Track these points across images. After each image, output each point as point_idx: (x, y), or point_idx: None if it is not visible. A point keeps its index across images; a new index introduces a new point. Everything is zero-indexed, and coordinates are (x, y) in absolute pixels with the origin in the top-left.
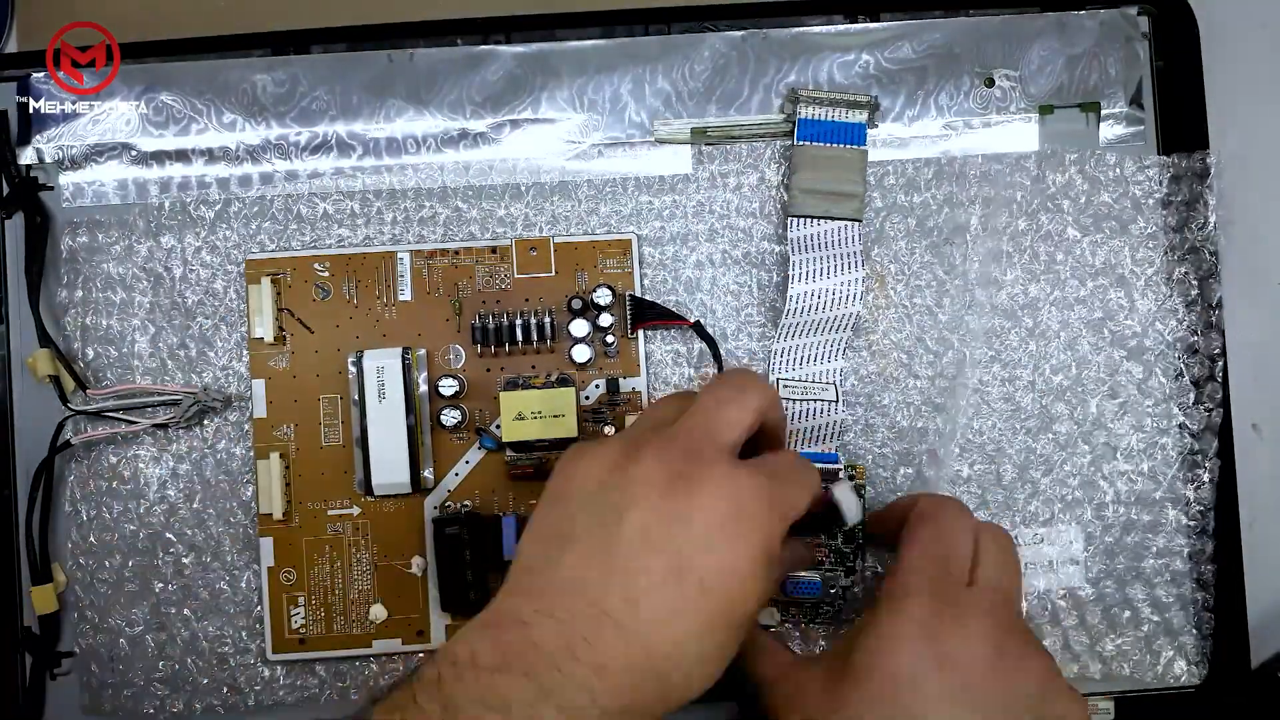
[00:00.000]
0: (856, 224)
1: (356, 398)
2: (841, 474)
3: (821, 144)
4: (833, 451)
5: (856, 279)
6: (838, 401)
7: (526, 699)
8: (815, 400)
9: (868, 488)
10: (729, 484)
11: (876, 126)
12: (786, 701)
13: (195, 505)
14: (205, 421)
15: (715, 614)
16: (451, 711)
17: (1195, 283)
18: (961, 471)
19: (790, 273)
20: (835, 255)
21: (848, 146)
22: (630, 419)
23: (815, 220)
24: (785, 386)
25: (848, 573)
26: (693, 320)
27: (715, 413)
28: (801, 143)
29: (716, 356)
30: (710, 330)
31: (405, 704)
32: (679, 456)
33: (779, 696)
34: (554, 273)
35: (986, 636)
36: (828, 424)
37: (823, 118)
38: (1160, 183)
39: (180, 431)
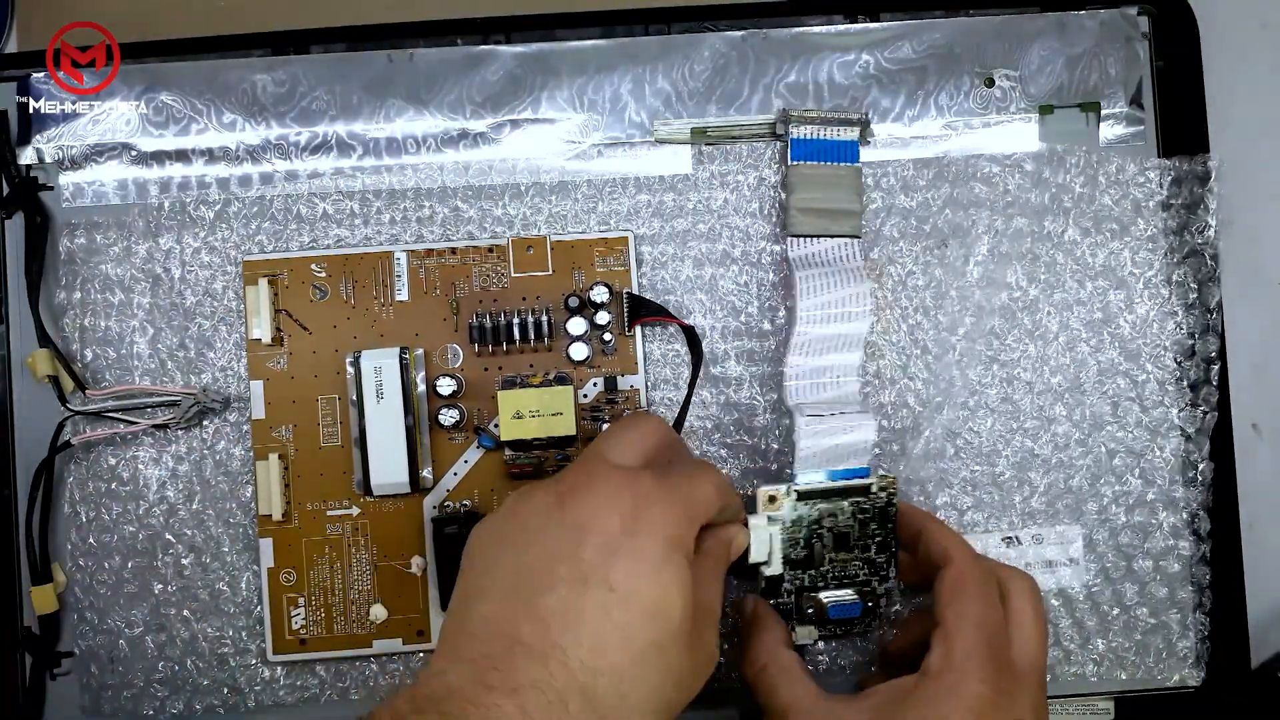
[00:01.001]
0: (856, 241)
1: (355, 398)
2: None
3: (815, 163)
4: (864, 466)
5: (863, 293)
6: (870, 415)
7: None
8: (846, 414)
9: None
10: (622, 485)
11: (869, 143)
12: None
13: (195, 506)
14: (204, 422)
15: (633, 617)
16: None
17: (1194, 286)
18: (959, 472)
19: (798, 288)
20: (838, 272)
21: (841, 165)
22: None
23: (815, 239)
24: (810, 411)
25: (881, 580)
26: (688, 323)
27: (603, 441)
28: (795, 163)
29: (696, 367)
30: (710, 329)
31: None
32: (569, 478)
33: None
34: (551, 271)
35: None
36: (858, 442)
37: (814, 136)
38: (1161, 185)
39: (179, 432)
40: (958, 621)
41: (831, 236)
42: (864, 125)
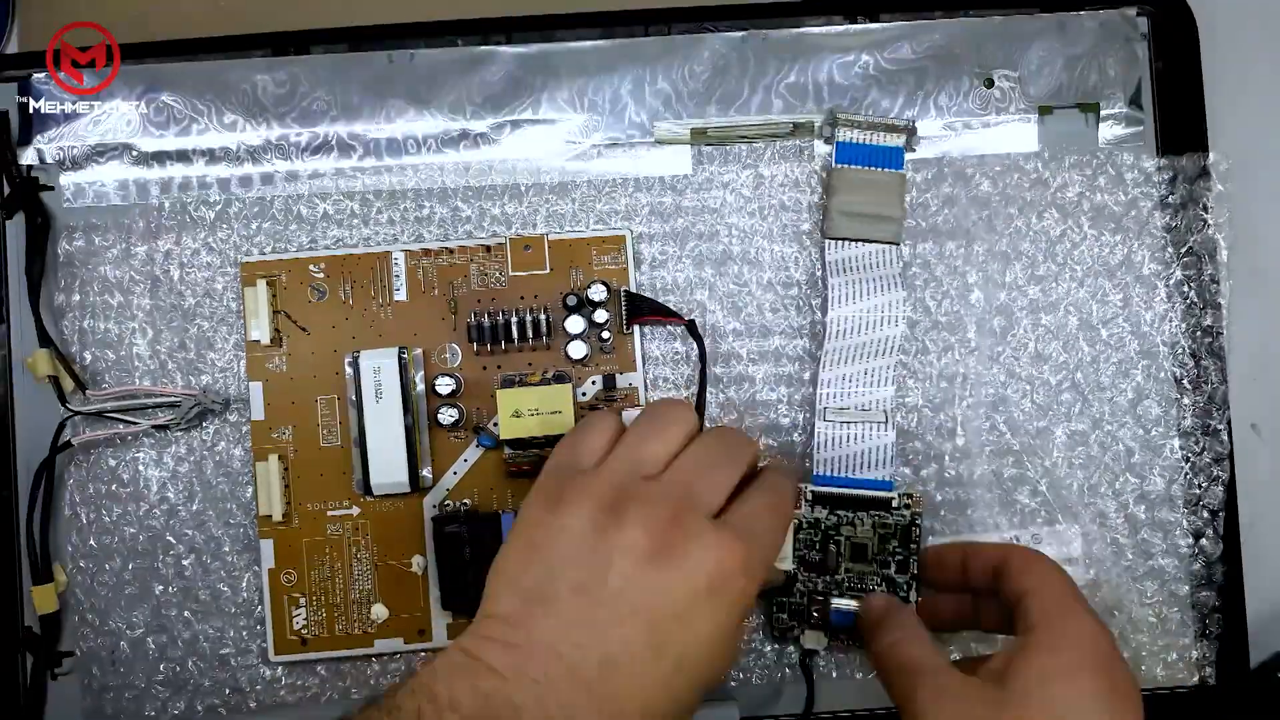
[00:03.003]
0: (894, 247)
1: (354, 398)
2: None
3: (859, 167)
4: (888, 479)
5: (897, 300)
6: (889, 425)
7: None
8: (865, 423)
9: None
10: (713, 555)
11: (914, 150)
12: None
13: (195, 507)
14: (204, 423)
15: (687, 688)
16: None
17: (1196, 285)
18: (962, 473)
19: (830, 295)
20: (874, 278)
21: (885, 170)
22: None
23: (853, 243)
24: (835, 415)
25: (902, 601)
26: (688, 319)
27: (705, 475)
28: (840, 165)
29: (703, 359)
30: (709, 329)
31: None
32: (664, 523)
33: (928, 690)
34: (549, 270)
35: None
36: (878, 448)
37: (860, 141)
38: (1161, 184)
39: (180, 433)
40: (1063, 641)
41: (870, 241)
42: (911, 132)
